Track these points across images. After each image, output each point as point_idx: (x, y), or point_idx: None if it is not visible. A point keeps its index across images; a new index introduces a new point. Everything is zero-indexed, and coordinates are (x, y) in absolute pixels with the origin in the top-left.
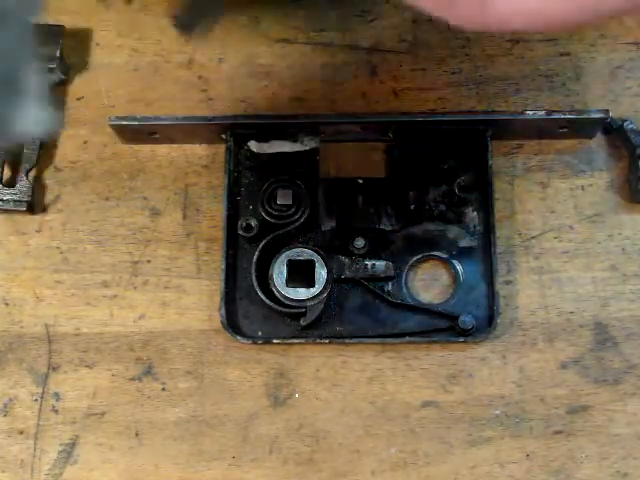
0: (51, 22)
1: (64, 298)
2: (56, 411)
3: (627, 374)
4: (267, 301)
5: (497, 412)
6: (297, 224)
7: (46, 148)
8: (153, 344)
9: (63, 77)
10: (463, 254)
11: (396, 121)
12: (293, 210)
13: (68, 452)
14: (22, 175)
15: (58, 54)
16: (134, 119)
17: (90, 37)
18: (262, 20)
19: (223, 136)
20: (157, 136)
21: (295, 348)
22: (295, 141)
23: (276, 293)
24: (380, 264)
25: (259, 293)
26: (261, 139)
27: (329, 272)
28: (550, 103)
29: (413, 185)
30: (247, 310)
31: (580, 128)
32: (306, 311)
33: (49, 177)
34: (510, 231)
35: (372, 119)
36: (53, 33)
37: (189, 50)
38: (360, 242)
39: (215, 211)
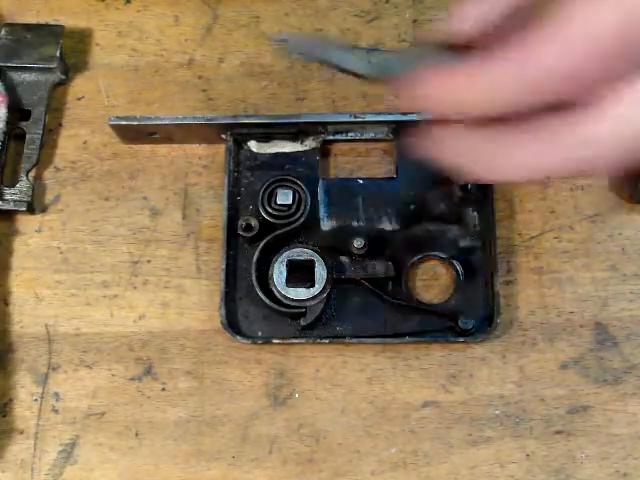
0: (51, 22)
1: (64, 298)
2: (56, 411)
3: (627, 374)
4: (267, 301)
5: (497, 412)
6: (297, 224)
7: (46, 148)
8: (153, 344)
9: (63, 77)
10: (463, 254)
11: (396, 121)
12: (293, 210)
13: (68, 452)
14: (22, 175)
15: (58, 54)
16: (134, 119)
17: (90, 37)
18: (262, 20)
19: (223, 136)
20: (157, 136)
21: (295, 348)
22: (295, 141)
23: (276, 293)
24: (380, 264)
25: (259, 293)
26: (261, 139)
27: (329, 272)
28: None
29: (413, 185)
30: (247, 310)
31: None
32: (306, 311)
33: (49, 177)
34: (510, 231)
35: (372, 119)
36: (53, 33)
37: (189, 50)
38: (360, 242)
39: (215, 211)
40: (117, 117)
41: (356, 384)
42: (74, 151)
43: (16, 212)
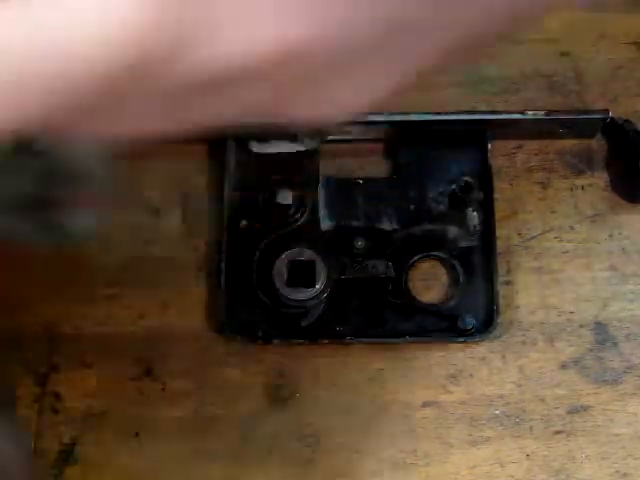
0: None
1: (64, 298)
2: (56, 411)
3: (627, 374)
4: (267, 301)
5: (497, 412)
6: (297, 224)
7: None
8: (153, 344)
9: None
10: (463, 254)
11: (396, 121)
12: (293, 210)
13: (68, 452)
14: None
15: None
16: None
17: None
18: None
19: (223, 136)
20: None
21: (295, 348)
22: (295, 141)
23: (276, 293)
24: (380, 264)
25: (259, 293)
26: (261, 139)
27: (329, 272)
28: (550, 103)
29: (413, 185)
30: (247, 310)
31: (580, 128)
32: (306, 311)
33: None
34: (510, 231)
35: (372, 119)
36: None
37: None
38: (360, 242)
39: (215, 211)
40: None
41: (356, 384)
42: None
43: None
